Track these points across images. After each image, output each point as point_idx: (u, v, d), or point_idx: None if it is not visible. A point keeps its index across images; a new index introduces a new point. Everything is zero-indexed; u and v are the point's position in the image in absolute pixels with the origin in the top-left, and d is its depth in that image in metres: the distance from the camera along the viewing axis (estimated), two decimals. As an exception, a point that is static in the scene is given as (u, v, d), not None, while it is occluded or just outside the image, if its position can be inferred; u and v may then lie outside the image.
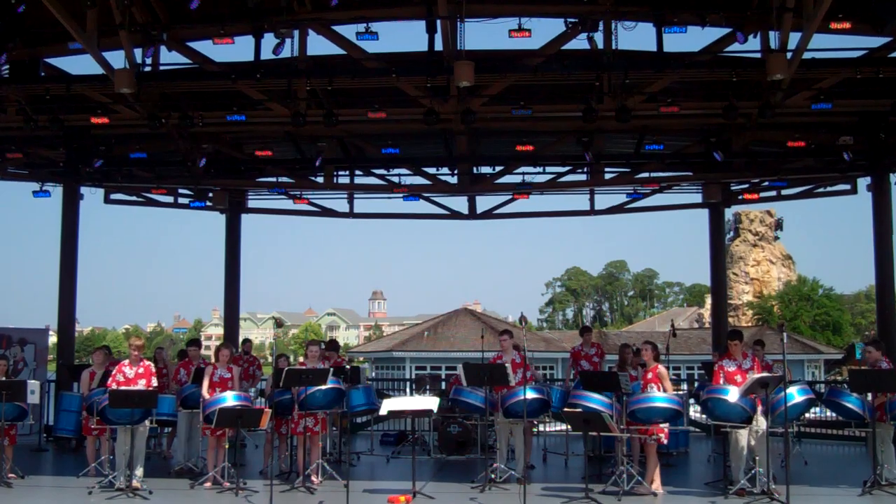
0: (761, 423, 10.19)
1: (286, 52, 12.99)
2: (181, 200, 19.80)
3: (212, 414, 10.68)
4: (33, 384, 11.70)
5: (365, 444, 15.03)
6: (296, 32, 13.13)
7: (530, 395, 10.78)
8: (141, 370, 11.01)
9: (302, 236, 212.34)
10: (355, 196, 19.82)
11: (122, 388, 10.66)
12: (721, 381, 10.38)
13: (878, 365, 10.94)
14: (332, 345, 14.35)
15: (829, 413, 13.36)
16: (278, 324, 15.20)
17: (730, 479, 10.49)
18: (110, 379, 11.00)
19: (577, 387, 11.69)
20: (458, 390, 11.65)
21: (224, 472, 11.00)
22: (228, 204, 19.40)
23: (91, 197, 18.53)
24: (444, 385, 15.84)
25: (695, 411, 14.81)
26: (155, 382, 11.15)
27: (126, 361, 11.14)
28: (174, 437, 13.14)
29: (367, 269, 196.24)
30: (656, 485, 10.42)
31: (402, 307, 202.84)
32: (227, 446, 11.12)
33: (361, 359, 44.34)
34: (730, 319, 36.49)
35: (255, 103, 14.23)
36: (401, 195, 18.17)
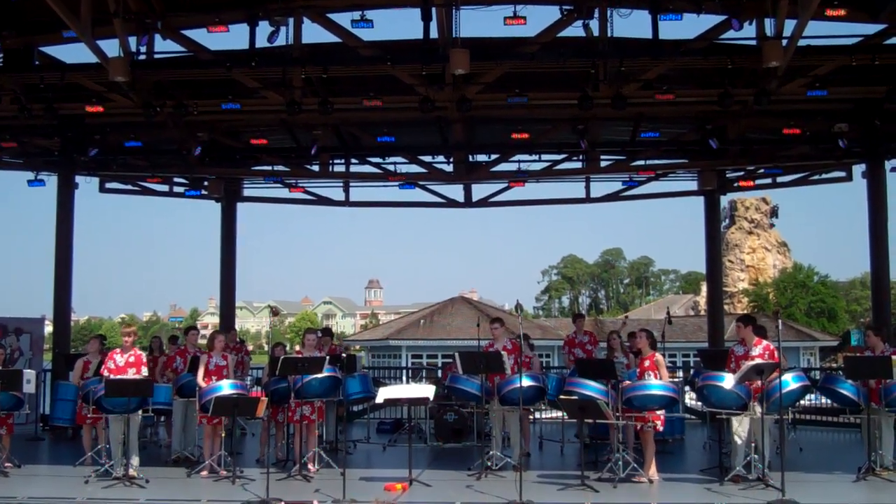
0: (757, 409, 10.21)
1: (281, 40, 12.98)
2: (176, 189, 19.78)
3: (208, 402, 10.69)
4: (29, 373, 11.67)
5: (361, 432, 15.04)
6: (290, 20, 13.11)
7: (526, 382, 10.79)
8: (132, 359, 10.94)
9: (298, 225, 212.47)
10: (351, 184, 19.80)
11: (117, 376, 10.66)
12: (732, 364, 10.40)
13: (881, 350, 10.95)
14: (326, 332, 14.37)
15: (824, 400, 13.40)
16: (274, 312, 15.04)
17: (725, 466, 10.53)
18: (102, 367, 11.00)
19: (573, 374, 11.71)
20: (454, 378, 11.65)
21: (220, 460, 11.00)
22: (224, 192, 19.37)
23: (86, 186, 18.47)
24: (439, 374, 15.87)
25: (690, 398, 14.85)
26: (145, 371, 11.10)
27: (118, 349, 11.13)
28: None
29: (363, 258, 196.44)
30: (652, 472, 10.44)
31: (399, 296, 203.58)
32: (223, 435, 11.12)
33: (357, 347, 44.34)
34: (725, 307, 36.59)
35: (250, 92, 14.20)
36: (396, 183, 18.17)
